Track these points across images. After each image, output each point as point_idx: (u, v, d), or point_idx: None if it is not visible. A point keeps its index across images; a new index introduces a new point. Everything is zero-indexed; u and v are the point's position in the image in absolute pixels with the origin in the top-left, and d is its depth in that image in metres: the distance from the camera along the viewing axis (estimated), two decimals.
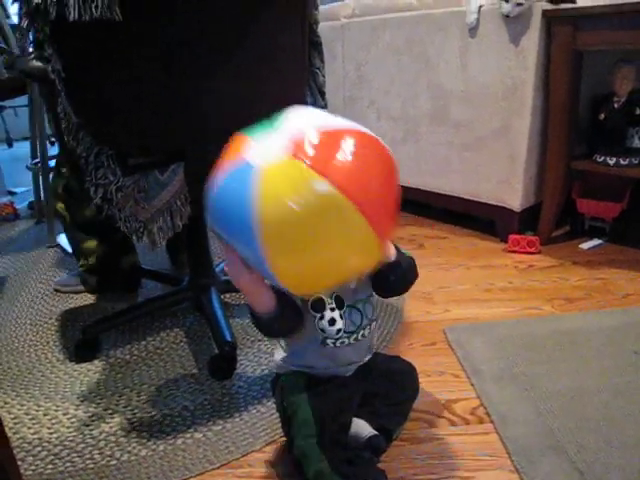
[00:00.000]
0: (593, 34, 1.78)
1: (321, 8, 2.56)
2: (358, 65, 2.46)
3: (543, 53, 1.88)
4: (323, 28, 2.49)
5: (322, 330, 0.99)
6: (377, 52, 2.36)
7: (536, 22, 1.83)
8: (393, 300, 1.66)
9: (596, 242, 2.10)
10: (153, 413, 1.25)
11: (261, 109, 1.27)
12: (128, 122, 1.15)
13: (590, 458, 1.07)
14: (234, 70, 1.19)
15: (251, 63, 1.21)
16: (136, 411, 1.26)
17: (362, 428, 1.08)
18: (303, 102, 1.33)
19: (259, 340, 1.50)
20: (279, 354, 1.10)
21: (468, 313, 1.61)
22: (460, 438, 1.14)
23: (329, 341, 1.01)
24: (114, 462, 1.12)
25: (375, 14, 2.35)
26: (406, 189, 2.38)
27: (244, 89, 1.22)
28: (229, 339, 1.36)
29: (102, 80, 1.11)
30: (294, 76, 1.31)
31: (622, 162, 1.88)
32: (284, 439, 1.14)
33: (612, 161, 1.90)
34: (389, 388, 1.13)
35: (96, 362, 1.46)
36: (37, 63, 1.24)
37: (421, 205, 2.41)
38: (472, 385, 1.29)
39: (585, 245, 2.08)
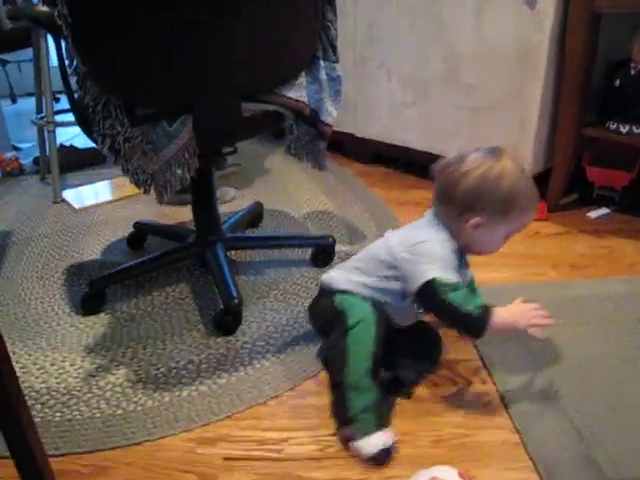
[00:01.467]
0: None
1: None
2: (370, 25, 2.41)
3: (560, 16, 1.84)
4: None
5: None
6: (390, 12, 2.31)
7: None
8: None
9: (604, 211, 2.08)
10: (159, 366, 1.26)
11: (271, 61, 1.27)
12: (136, 71, 1.14)
13: (589, 420, 1.08)
14: (244, 20, 1.16)
15: (262, 13, 1.18)
16: (142, 363, 1.27)
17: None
18: (314, 54, 1.31)
19: (264, 297, 1.51)
20: (358, 276, 1.18)
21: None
22: (462, 397, 1.15)
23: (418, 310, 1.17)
24: (120, 412, 1.13)
25: None
26: (414, 152, 2.36)
27: (254, 40, 1.20)
28: (234, 294, 1.37)
29: (109, 27, 1.09)
30: (306, 28, 1.29)
31: (635, 130, 1.85)
32: (288, 393, 1.16)
33: (625, 129, 1.87)
34: (414, 346, 1.23)
35: (102, 315, 1.47)
36: (44, 8, 1.21)
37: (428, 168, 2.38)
38: (475, 347, 1.30)
39: (593, 214, 2.06)
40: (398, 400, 1.15)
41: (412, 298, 1.11)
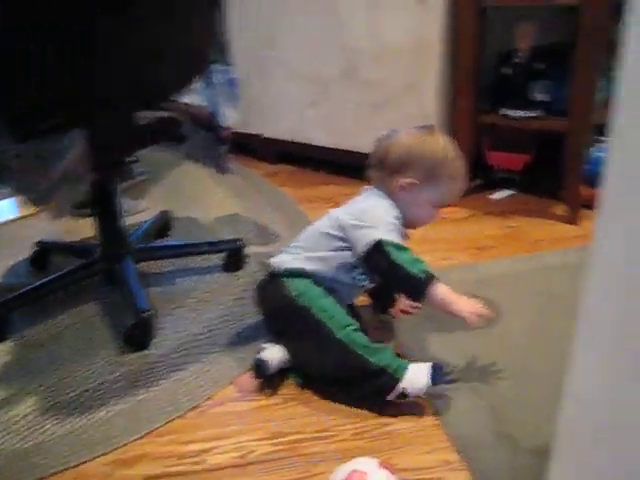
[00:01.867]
0: None
1: None
2: (269, 24, 2.40)
3: (450, 10, 1.90)
4: None
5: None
6: (287, 10, 2.31)
7: None
8: None
9: (506, 193, 2.18)
10: (70, 391, 1.21)
11: (170, 69, 1.24)
12: (21, 83, 1.08)
13: (500, 395, 1.13)
14: (136, 28, 1.13)
15: (154, 20, 1.16)
16: (53, 390, 1.21)
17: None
18: (208, 59, 1.29)
19: (178, 307, 1.48)
20: (307, 252, 1.20)
21: None
22: None
23: (364, 282, 1.21)
24: (30, 443, 1.08)
25: None
26: (320, 149, 2.38)
27: (147, 48, 1.17)
28: (145, 307, 1.33)
29: None
30: (199, 33, 1.27)
31: (525, 115, 1.94)
32: (207, 402, 1.14)
33: (516, 114, 1.96)
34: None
35: (8, 342, 1.39)
36: None
37: (336, 164, 2.41)
38: (392, 333, 1.33)
39: (496, 196, 2.15)
40: (316, 397, 1.15)
41: (361, 269, 1.18)
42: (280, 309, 1.19)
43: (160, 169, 2.50)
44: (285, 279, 1.18)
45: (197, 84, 1.30)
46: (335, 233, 1.18)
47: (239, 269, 1.63)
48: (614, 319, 0.63)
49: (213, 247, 1.68)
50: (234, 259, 1.63)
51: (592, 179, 2.02)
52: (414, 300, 1.23)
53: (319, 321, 1.11)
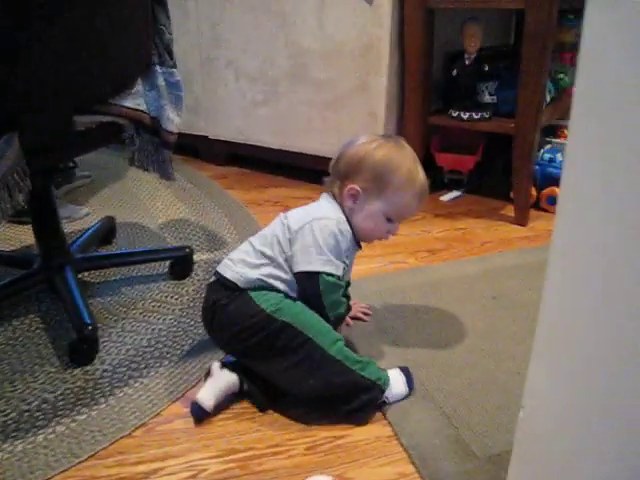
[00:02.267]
0: None
1: None
2: (213, 24, 2.35)
3: (397, 11, 1.90)
4: None
5: None
6: (232, 10, 2.26)
7: None
8: None
9: (455, 194, 2.19)
10: (8, 411, 1.14)
11: (101, 69, 1.18)
12: None
13: (454, 402, 1.12)
14: (67, 26, 1.07)
15: (87, 18, 1.10)
16: None
17: None
18: (149, 60, 1.24)
19: (123, 319, 1.42)
20: (263, 260, 1.11)
21: None
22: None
23: None
24: None
25: None
26: (268, 150, 2.34)
27: (80, 47, 1.11)
28: (88, 321, 1.27)
29: None
30: (138, 33, 1.21)
31: (475, 116, 1.96)
32: (155, 420, 1.10)
33: (466, 115, 1.97)
34: None
35: None
36: None
37: (286, 166, 2.38)
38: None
39: (445, 197, 2.16)
40: (269, 412, 1.12)
41: None
42: (249, 328, 1.07)
43: (103, 172, 2.41)
44: (252, 293, 1.08)
45: (139, 87, 1.25)
46: (289, 238, 1.10)
47: (186, 277, 1.58)
48: (572, 321, 0.63)
49: (159, 255, 1.63)
50: (181, 267, 1.58)
51: (541, 180, 2.05)
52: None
53: (307, 338, 1.05)
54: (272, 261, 1.10)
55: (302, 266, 1.08)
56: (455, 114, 1.99)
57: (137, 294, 1.52)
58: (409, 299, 1.48)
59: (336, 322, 1.13)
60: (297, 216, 1.13)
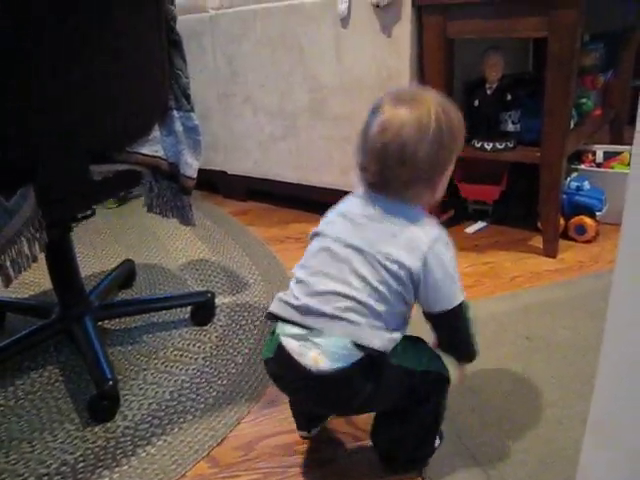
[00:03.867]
0: (463, 23, 1.78)
1: (185, 0, 2.43)
2: (230, 59, 2.35)
3: (416, 42, 1.87)
4: (189, 21, 2.38)
5: None
6: (249, 45, 2.26)
7: (407, 11, 1.81)
8: None
9: (480, 225, 2.13)
10: (25, 475, 1.09)
11: (119, 117, 1.16)
12: None
13: (491, 454, 1.05)
14: (85, 73, 1.05)
15: (104, 65, 1.08)
16: (4, 475, 1.10)
17: None
18: (166, 106, 1.21)
19: (144, 370, 1.37)
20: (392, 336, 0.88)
21: None
22: (366, 454, 1.09)
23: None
24: None
25: (244, 5, 2.25)
26: (289, 185, 2.31)
27: (97, 95, 1.09)
28: (109, 375, 1.23)
29: None
30: (154, 79, 1.19)
31: (499, 146, 1.91)
32: None
33: (489, 146, 1.92)
34: None
35: None
36: None
37: (307, 201, 2.34)
38: None
39: (470, 229, 2.11)
40: (305, 467, 1.06)
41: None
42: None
43: (122, 210, 2.40)
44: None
45: (156, 132, 1.22)
46: (395, 272, 0.86)
47: (208, 322, 1.53)
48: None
49: (180, 301, 1.59)
50: (203, 312, 1.54)
51: (568, 209, 1.99)
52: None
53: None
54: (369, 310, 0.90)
55: (445, 303, 0.91)
56: (478, 145, 1.94)
57: (158, 342, 1.47)
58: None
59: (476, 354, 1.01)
60: (400, 241, 0.88)
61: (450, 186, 2.04)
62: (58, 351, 1.47)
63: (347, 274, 0.87)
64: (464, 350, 0.99)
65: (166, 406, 1.24)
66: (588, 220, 1.96)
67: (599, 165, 2.32)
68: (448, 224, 2.15)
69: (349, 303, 0.85)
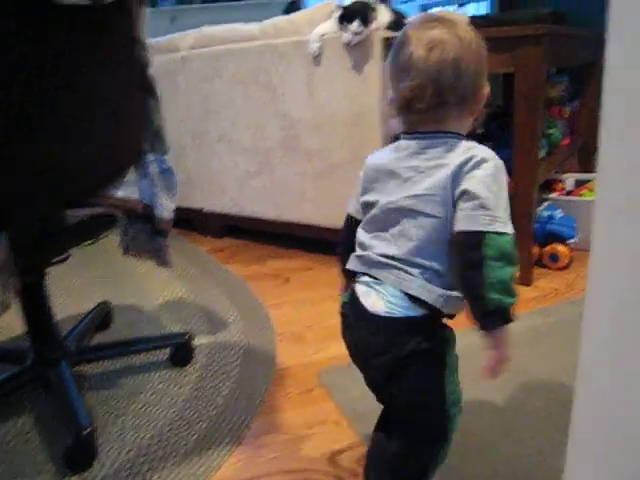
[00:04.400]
0: None
1: (159, 40, 2.46)
2: (203, 97, 2.37)
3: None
4: (162, 61, 2.40)
5: None
6: (222, 83, 2.28)
7: (377, 50, 1.85)
8: (264, 345, 1.58)
9: None
10: None
11: (96, 164, 1.16)
12: None
13: None
14: (61, 119, 1.05)
15: (77, 113, 1.08)
16: None
17: None
18: (141, 150, 1.22)
19: (122, 415, 1.35)
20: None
21: (342, 351, 1.53)
22: None
23: None
24: None
25: (216, 45, 2.28)
26: (265, 222, 2.32)
27: (74, 140, 1.09)
28: (85, 423, 1.20)
29: None
30: (129, 124, 1.20)
31: None
32: None
33: None
34: None
35: None
36: None
37: (283, 237, 2.35)
38: (356, 431, 1.24)
39: None
40: None
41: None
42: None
43: (97, 250, 2.38)
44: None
45: (131, 175, 1.22)
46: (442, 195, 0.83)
47: (188, 363, 1.52)
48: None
49: (158, 342, 1.57)
50: (182, 353, 1.52)
51: (541, 238, 2.02)
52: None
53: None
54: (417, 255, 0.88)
55: (480, 223, 0.81)
56: None
57: (137, 385, 1.45)
58: None
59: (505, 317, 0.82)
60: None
61: None
62: (33, 397, 1.44)
63: (398, 235, 0.87)
64: (493, 306, 0.81)
65: (146, 452, 1.22)
66: (561, 248, 2.00)
67: (569, 193, 2.38)
68: None
69: (401, 261, 0.86)
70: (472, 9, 5.82)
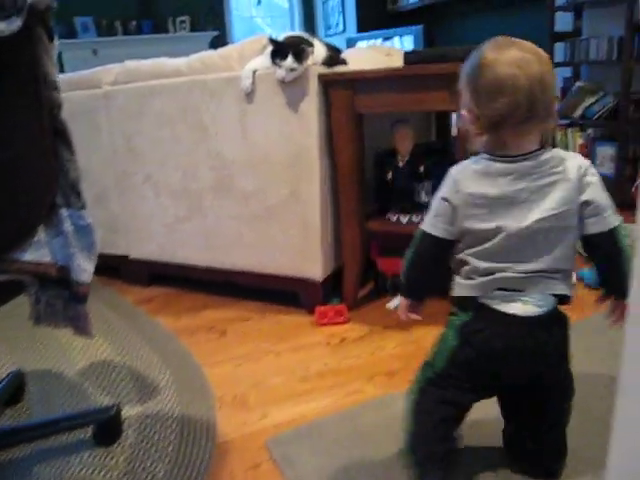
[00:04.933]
0: (371, 97, 1.76)
1: (79, 75, 2.29)
2: (128, 136, 2.20)
3: (324, 117, 1.81)
4: (83, 97, 2.23)
5: None
6: (148, 121, 2.13)
7: (313, 86, 1.77)
8: (202, 413, 1.42)
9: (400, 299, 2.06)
10: None
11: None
12: None
13: None
14: None
15: None
16: None
17: None
18: (52, 204, 1.06)
19: None
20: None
21: (290, 414, 1.42)
22: None
23: None
24: None
25: (141, 80, 2.13)
26: (197, 269, 2.16)
27: None
28: None
29: None
30: (36, 174, 1.03)
31: (415, 219, 1.86)
32: None
33: (405, 219, 1.88)
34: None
35: None
36: None
37: (217, 285, 2.19)
38: None
39: (391, 304, 2.03)
40: None
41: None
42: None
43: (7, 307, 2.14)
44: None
45: (42, 234, 1.05)
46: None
47: (115, 442, 1.32)
48: None
49: (79, 420, 1.36)
50: (107, 430, 1.33)
51: None
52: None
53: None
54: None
55: (610, 221, 1.00)
56: (394, 218, 1.90)
57: (54, 473, 1.24)
58: (376, 439, 1.29)
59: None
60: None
61: (369, 261, 1.99)
62: None
63: (539, 252, 0.99)
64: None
65: None
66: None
67: None
68: (367, 300, 2.06)
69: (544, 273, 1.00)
70: (397, 43, 5.90)
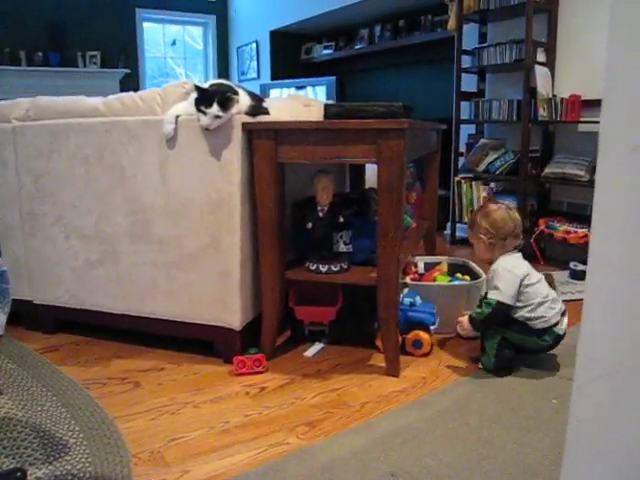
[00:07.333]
0: (293, 148, 1.79)
1: None
2: (37, 176, 2.10)
3: (247, 165, 1.82)
4: None
5: None
6: (60, 161, 2.04)
7: (237, 135, 1.77)
8: (117, 473, 1.34)
9: (318, 347, 2.07)
10: None
11: None
12: None
13: None
14: None
15: None
16: None
17: None
18: None
19: None
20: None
21: (210, 470, 1.37)
22: None
23: None
24: None
25: (54, 118, 2.05)
26: (109, 316, 2.08)
27: None
28: None
29: None
30: None
31: (334, 268, 1.89)
32: None
33: (324, 268, 1.89)
34: None
35: None
36: None
37: (129, 333, 2.11)
38: None
39: (309, 352, 2.03)
40: None
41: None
42: None
43: None
44: None
45: None
46: None
47: None
48: None
49: None
50: None
51: (403, 325, 2.00)
52: None
53: None
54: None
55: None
56: (313, 267, 1.91)
57: None
58: None
59: None
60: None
61: (286, 309, 1.99)
62: None
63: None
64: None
65: None
66: (423, 334, 2.00)
67: (421, 276, 2.43)
68: (285, 349, 2.05)
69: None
70: (310, 92, 6.06)
